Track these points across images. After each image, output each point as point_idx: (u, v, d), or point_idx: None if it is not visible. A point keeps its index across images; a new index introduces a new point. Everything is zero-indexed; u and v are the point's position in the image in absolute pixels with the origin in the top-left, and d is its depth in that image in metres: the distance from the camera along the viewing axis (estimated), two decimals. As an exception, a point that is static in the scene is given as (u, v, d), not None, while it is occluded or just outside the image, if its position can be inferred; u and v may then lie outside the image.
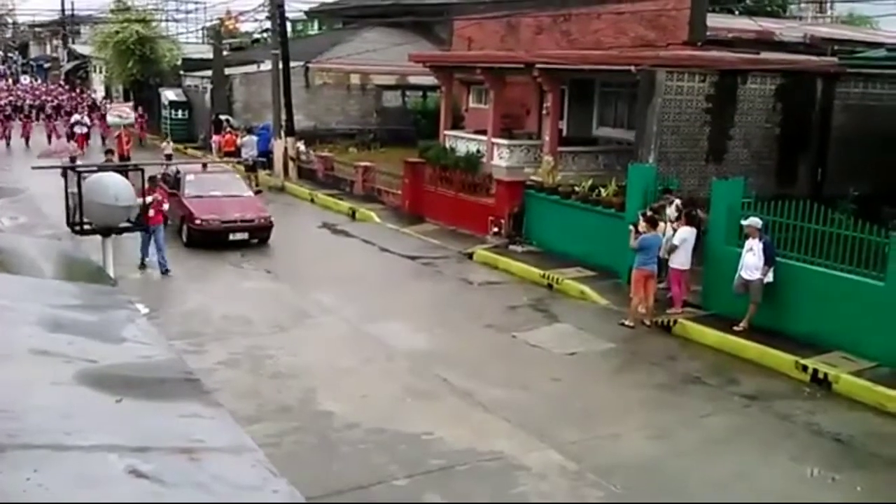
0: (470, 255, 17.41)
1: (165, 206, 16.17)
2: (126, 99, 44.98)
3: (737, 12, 23.88)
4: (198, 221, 17.67)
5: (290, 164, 27.69)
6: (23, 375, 2.79)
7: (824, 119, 18.08)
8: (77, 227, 8.96)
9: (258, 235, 18.14)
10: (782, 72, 17.25)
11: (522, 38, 22.35)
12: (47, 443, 2.26)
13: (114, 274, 7.69)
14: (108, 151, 21.94)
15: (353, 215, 22.01)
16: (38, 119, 42.09)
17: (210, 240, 17.58)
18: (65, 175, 9.14)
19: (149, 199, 14.83)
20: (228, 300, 14.18)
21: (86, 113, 40.19)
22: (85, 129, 34.85)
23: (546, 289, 15.17)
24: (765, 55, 17.35)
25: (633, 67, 16.09)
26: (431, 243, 18.66)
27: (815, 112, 17.98)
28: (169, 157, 29.11)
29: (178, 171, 19.71)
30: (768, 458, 8.77)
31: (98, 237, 9.06)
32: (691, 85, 16.29)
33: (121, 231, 9.49)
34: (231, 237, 17.75)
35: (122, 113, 32.86)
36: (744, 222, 12.25)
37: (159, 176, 19.67)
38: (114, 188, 8.54)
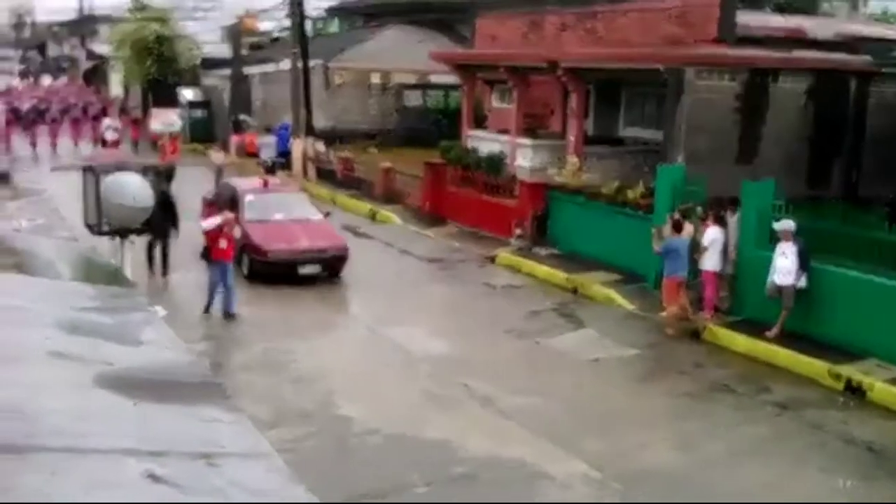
0: (492, 259, 17.25)
1: (237, 233, 13.22)
2: (144, 99, 45.07)
3: (768, 9, 23.60)
4: (264, 252, 14.86)
5: (310, 164, 27.68)
6: (40, 377, 2.87)
7: (858, 119, 17.84)
8: (94, 228, 8.89)
9: (331, 268, 15.45)
10: (815, 70, 17.04)
11: (547, 36, 22.14)
12: (64, 445, 2.31)
13: (132, 276, 7.57)
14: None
15: (373, 217, 21.91)
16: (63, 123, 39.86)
17: (276, 273, 14.85)
18: (83, 175, 9.05)
19: (214, 221, 12.92)
20: (247, 302, 14.06)
21: (116, 117, 38.68)
22: (116, 135, 32.77)
23: (570, 293, 14.98)
24: (796, 53, 17.10)
25: (660, 66, 15.92)
26: (453, 246, 18.52)
27: (848, 112, 17.76)
28: (220, 170, 24.55)
29: (234, 190, 16.81)
30: (799, 469, 8.67)
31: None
32: (721, 84, 16.10)
33: (139, 232, 9.43)
34: (301, 270, 15.02)
35: (167, 120, 29.47)
36: (776, 226, 12.04)
37: (210, 195, 17.14)
38: (132, 189, 8.46)
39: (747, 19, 17.35)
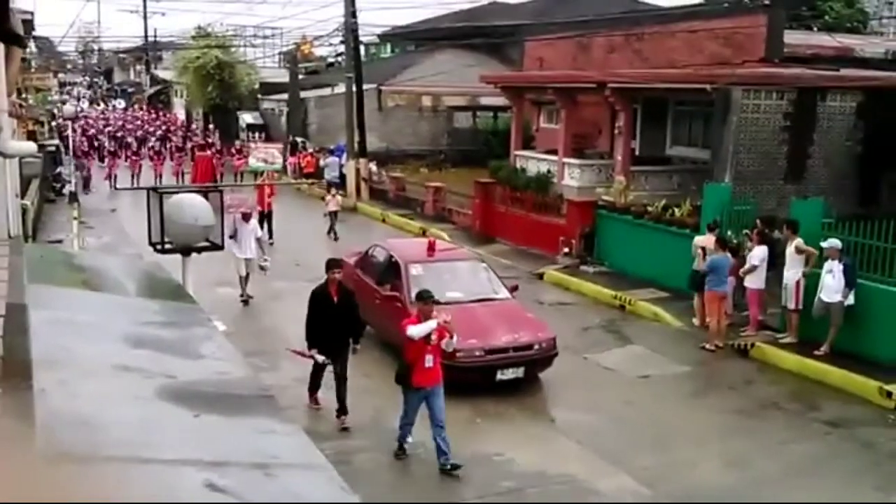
0: (541, 276, 17.33)
1: (453, 342, 8.90)
2: (206, 123, 45.79)
3: (815, 28, 23.38)
4: (450, 352, 9.22)
5: (363, 184, 28.13)
6: (106, 389, 2.91)
7: (909, 136, 17.51)
8: (158, 247, 9.23)
9: (535, 371, 11.02)
10: (864, 88, 16.82)
11: (594, 57, 22.28)
12: (129, 455, 2.35)
13: (193, 292, 7.89)
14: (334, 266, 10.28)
15: (423, 235, 22.12)
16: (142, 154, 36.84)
17: (463, 381, 10.01)
18: (148, 196, 9.43)
19: (429, 326, 8.48)
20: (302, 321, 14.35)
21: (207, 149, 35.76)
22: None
23: (618, 310, 15.00)
24: (845, 72, 16.95)
25: (708, 86, 15.92)
26: (502, 263, 18.55)
27: (898, 129, 17.45)
28: (334, 215, 21.82)
29: (391, 257, 12.40)
30: (851, 488, 8.52)
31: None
32: (769, 103, 16.00)
33: (200, 250, 9.75)
34: (500, 376, 10.65)
35: (268, 156, 26.40)
36: (823, 244, 11.97)
37: (352, 260, 13.07)
38: (193, 209, 8.77)
39: (794, 38, 17.30)
